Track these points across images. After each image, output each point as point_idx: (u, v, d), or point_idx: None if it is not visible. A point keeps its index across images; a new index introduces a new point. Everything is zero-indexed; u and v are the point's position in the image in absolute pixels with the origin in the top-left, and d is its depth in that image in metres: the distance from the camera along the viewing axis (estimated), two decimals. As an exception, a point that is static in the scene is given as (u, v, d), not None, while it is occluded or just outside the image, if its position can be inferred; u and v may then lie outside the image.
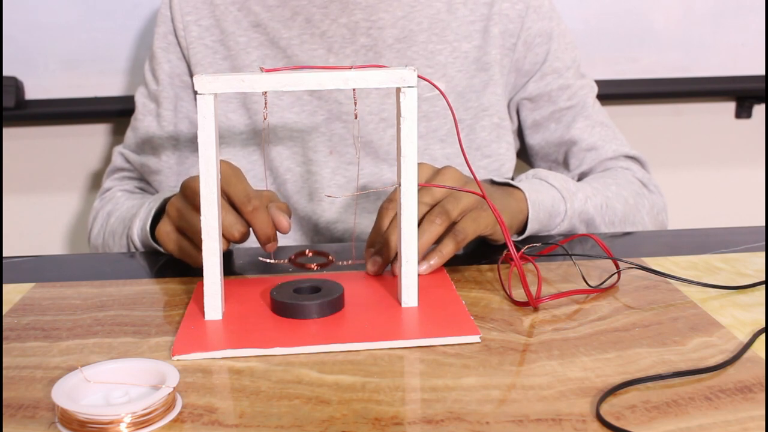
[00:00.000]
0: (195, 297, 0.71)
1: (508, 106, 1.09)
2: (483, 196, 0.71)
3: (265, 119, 0.67)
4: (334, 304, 0.67)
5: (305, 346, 0.62)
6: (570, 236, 0.85)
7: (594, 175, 1.05)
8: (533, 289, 0.70)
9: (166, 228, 0.79)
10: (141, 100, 1.09)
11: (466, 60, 1.03)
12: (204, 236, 0.65)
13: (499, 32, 1.03)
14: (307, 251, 0.77)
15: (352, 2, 1.00)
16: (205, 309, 0.66)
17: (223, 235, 0.72)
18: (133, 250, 0.90)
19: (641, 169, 1.07)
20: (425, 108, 1.02)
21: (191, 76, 1.04)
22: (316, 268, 0.77)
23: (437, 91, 1.01)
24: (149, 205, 0.88)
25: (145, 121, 1.07)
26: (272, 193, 0.82)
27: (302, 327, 0.65)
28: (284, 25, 1.01)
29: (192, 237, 0.76)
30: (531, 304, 0.69)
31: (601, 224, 0.94)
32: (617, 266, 0.76)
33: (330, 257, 0.80)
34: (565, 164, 1.08)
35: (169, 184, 1.07)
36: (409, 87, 0.65)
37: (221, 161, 0.73)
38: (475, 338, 0.63)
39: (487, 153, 1.04)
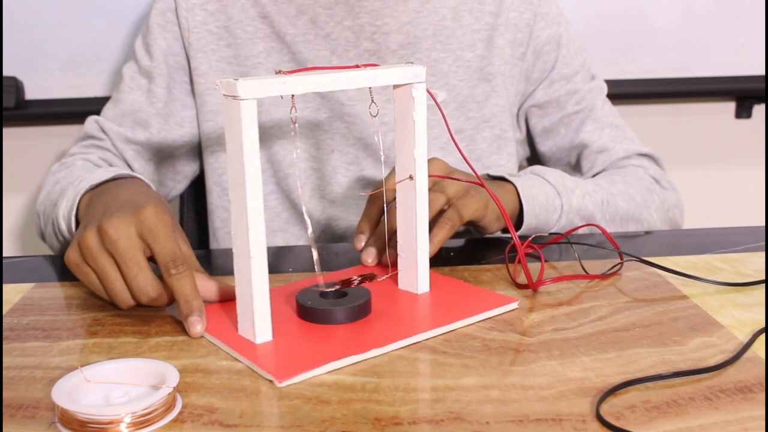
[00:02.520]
0: (212, 325, 0.65)
1: (517, 115, 1.09)
2: (481, 183, 0.74)
3: (294, 123, 0.63)
4: (364, 308, 0.67)
5: (390, 344, 0.62)
6: (574, 228, 0.86)
7: (604, 173, 1.05)
8: (536, 278, 0.71)
9: (75, 259, 0.69)
10: (129, 74, 1.05)
11: (469, 69, 1.03)
12: (253, 252, 0.60)
13: (506, 42, 1.03)
14: (353, 277, 0.71)
15: (358, 5, 0.99)
16: (257, 332, 0.61)
17: (131, 294, 0.67)
18: (56, 225, 0.84)
19: (654, 166, 1.06)
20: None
21: (187, 59, 1.02)
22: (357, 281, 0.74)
23: (438, 99, 1.01)
24: (77, 188, 0.82)
25: (131, 95, 1.04)
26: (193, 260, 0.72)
27: (350, 331, 0.64)
28: (290, 21, 1.01)
29: (100, 278, 0.68)
30: (530, 286, 0.72)
31: (602, 221, 0.94)
32: (621, 257, 0.78)
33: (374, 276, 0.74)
34: (577, 167, 1.08)
35: (144, 158, 1.04)
36: (419, 83, 0.68)
37: (151, 205, 0.68)
38: (514, 305, 0.69)
39: (486, 164, 1.04)
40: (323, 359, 0.59)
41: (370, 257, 0.78)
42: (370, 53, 1.00)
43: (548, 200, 0.89)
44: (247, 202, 0.59)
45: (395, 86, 0.68)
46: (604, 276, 0.76)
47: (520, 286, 0.73)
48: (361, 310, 0.66)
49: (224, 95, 0.58)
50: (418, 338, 0.63)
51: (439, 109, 0.70)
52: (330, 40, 1.00)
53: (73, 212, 0.80)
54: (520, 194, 0.86)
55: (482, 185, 0.74)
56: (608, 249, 0.82)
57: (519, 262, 0.75)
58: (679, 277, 0.75)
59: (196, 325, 0.64)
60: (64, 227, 0.83)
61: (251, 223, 0.60)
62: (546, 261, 0.81)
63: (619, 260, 0.79)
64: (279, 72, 0.61)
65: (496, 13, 1.03)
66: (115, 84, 1.31)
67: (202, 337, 0.64)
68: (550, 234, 0.86)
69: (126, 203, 0.70)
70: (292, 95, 0.61)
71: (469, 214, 0.79)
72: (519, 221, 0.88)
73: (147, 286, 0.66)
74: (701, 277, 0.75)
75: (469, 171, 0.79)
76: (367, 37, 1.00)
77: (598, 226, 0.82)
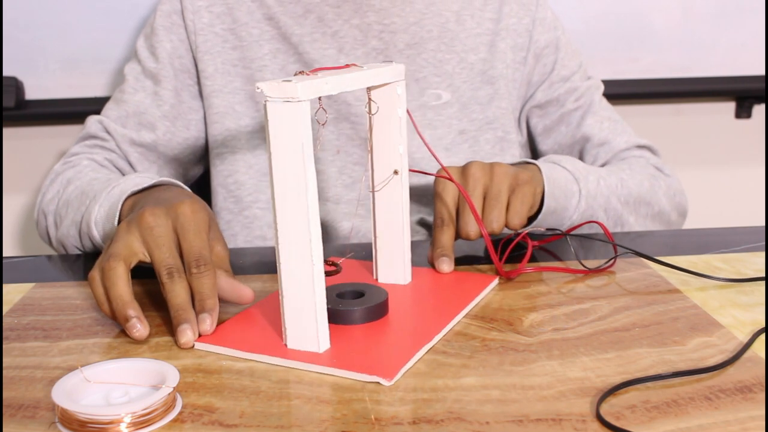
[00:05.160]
0: (251, 343, 0.62)
1: (518, 118, 1.09)
2: (451, 179, 0.76)
3: (323, 124, 0.63)
4: (381, 308, 0.67)
5: (438, 333, 0.63)
6: (577, 225, 0.87)
7: (608, 165, 1.05)
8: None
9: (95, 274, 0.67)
10: (133, 74, 1.05)
11: (472, 71, 1.04)
12: (315, 259, 0.59)
13: (508, 47, 1.05)
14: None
15: (366, 4, 1.00)
16: (320, 340, 0.60)
17: (155, 263, 0.65)
18: (85, 230, 0.83)
19: (654, 156, 1.08)
20: (430, 116, 1.02)
21: (194, 62, 1.03)
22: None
23: (443, 100, 1.02)
24: (111, 192, 0.81)
25: (136, 96, 1.03)
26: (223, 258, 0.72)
27: (382, 329, 0.65)
28: (296, 21, 1.01)
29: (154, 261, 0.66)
30: (501, 274, 0.75)
31: (618, 204, 0.94)
32: (615, 250, 0.80)
33: (337, 265, 0.77)
34: None
35: (148, 160, 1.03)
36: (401, 80, 0.69)
37: (189, 202, 0.69)
38: (495, 281, 0.74)
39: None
40: (408, 351, 0.59)
41: (445, 265, 0.77)
42: (378, 52, 1.01)
43: (567, 185, 0.88)
44: (308, 207, 0.57)
45: (372, 87, 0.69)
46: (594, 271, 0.77)
47: (503, 273, 0.76)
48: (384, 309, 0.67)
49: (271, 98, 0.56)
50: (448, 328, 0.65)
51: (410, 117, 0.71)
52: (338, 38, 1.00)
53: (116, 217, 0.78)
54: (543, 176, 0.85)
55: (451, 179, 0.76)
56: (602, 240, 0.83)
57: (499, 253, 0.78)
58: (680, 276, 0.75)
59: (204, 323, 0.63)
60: (96, 232, 0.81)
61: (313, 229, 0.58)
62: (542, 254, 0.81)
63: (615, 255, 0.79)
64: (300, 73, 0.59)
65: (496, 20, 1.05)
66: (115, 84, 1.31)
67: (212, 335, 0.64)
68: (549, 230, 0.86)
69: (167, 199, 0.71)
70: (320, 97, 0.60)
71: (527, 211, 0.80)
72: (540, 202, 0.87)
73: (168, 257, 0.65)
74: (698, 272, 0.75)
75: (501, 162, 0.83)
76: (375, 36, 1.00)
77: (599, 223, 0.82)
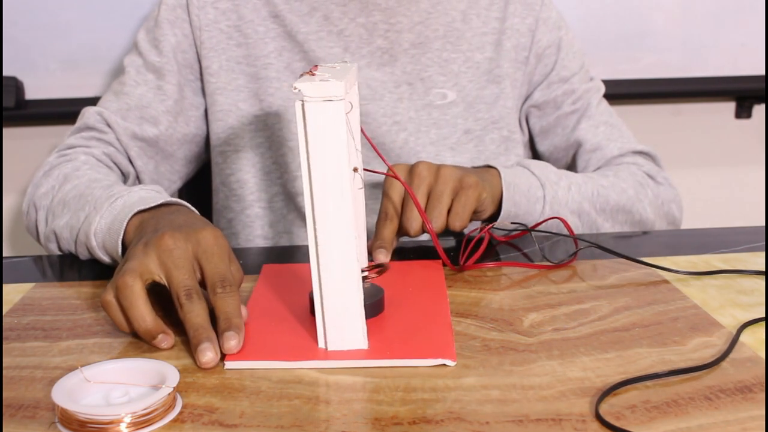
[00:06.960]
0: (289, 352, 0.61)
1: (519, 116, 1.09)
2: (396, 177, 0.77)
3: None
4: (382, 302, 0.68)
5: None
6: (543, 220, 0.88)
7: (597, 171, 1.05)
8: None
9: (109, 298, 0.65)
10: (134, 67, 1.03)
11: (478, 71, 1.04)
12: (359, 258, 0.59)
13: (512, 46, 1.05)
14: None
15: (372, 2, 1.00)
16: (365, 336, 0.61)
17: (171, 284, 0.64)
18: (83, 240, 0.80)
19: (650, 163, 1.06)
20: (436, 115, 1.02)
21: (198, 57, 1.02)
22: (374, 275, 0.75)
23: (448, 100, 1.02)
24: (114, 205, 0.78)
25: (138, 89, 1.02)
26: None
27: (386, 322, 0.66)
28: (302, 19, 1.01)
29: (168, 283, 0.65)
30: (448, 265, 0.77)
31: (592, 211, 0.94)
32: (576, 245, 0.81)
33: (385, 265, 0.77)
34: (573, 167, 1.09)
35: (147, 155, 1.02)
36: (356, 80, 0.69)
37: (210, 229, 0.68)
38: (440, 263, 0.78)
39: (495, 165, 1.04)
40: (444, 334, 0.62)
41: (382, 255, 0.80)
42: (383, 51, 1.01)
43: (530, 190, 0.89)
44: (352, 205, 0.58)
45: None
46: (556, 266, 0.78)
47: (452, 267, 0.78)
48: (383, 304, 0.68)
49: (309, 98, 0.56)
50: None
51: (365, 135, 0.71)
52: (343, 36, 1.00)
53: (120, 234, 0.75)
54: (502, 180, 0.87)
55: (397, 177, 0.77)
56: (563, 235, 0.84)
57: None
58: (680, 276, 0.75)
59: (231, 340, 0.61)
60: (95, 243, 0.78)
61: (355, 227, 0.58)
62: (512, 249, 0.82)
63: (576, 250, 0.80)
64: (308, 73, 0.59)
65: (501, 19, 1.05)
66: (115, 84, 1.31)
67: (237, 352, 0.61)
68: (515, 223, 0.87)
69: (184, 225, 0.69)
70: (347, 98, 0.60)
71: (470, 210, 0.82)
72: (500, 208, 0.88)
73: (188, 279, 0.64)
74: (671, 268, 0.76)
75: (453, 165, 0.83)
76: (380, 35, 1.00)
77: (561, 219, 0.84)
